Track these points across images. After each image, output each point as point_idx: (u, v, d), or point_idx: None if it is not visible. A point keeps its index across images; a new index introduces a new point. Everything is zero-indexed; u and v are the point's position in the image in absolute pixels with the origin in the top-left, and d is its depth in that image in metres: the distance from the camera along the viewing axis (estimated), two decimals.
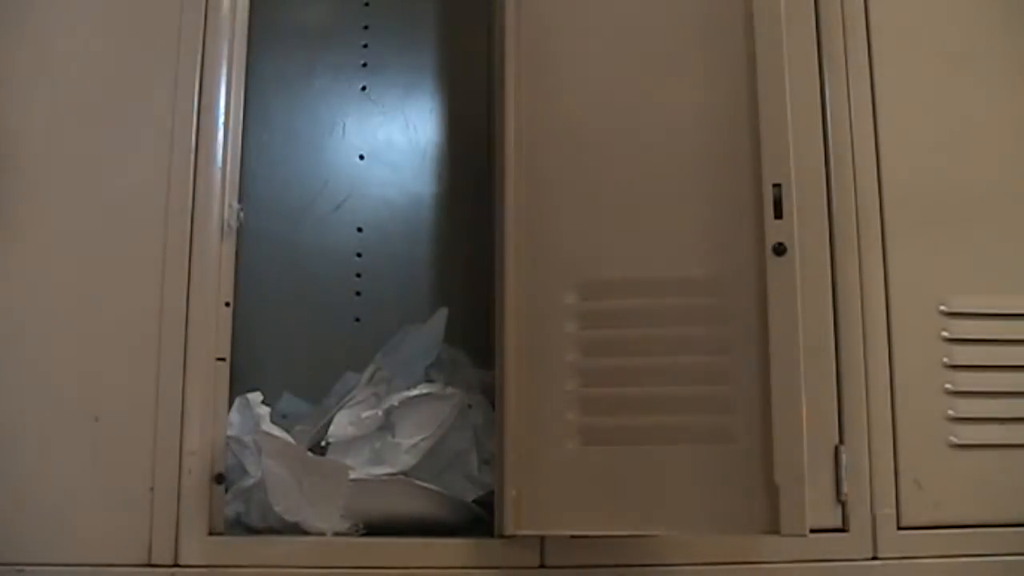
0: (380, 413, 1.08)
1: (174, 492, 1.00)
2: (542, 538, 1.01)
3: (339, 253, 1.42)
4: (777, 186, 0.95)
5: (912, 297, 1.11)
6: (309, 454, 0.97)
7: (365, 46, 1.47)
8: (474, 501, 1.09)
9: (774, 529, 0.91)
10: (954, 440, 1.09)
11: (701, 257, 0.97)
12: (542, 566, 1.01)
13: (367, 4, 1.49)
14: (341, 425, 1.07)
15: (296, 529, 1.02)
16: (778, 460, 0.91)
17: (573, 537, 1.00)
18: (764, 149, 0.96)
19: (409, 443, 1.06)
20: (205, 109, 1.06)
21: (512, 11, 1.03)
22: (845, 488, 1.06)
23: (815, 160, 1.12)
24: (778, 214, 0.94)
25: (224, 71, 1.07)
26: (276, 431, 0.98)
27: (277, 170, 1.40)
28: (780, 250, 0.94)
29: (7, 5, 1.07)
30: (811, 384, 0.94)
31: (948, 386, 1.10)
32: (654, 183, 0.99)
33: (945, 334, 1.11)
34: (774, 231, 0.94)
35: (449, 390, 1.10)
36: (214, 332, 1.03)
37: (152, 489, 1.00)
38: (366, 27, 1.48)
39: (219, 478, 1.02)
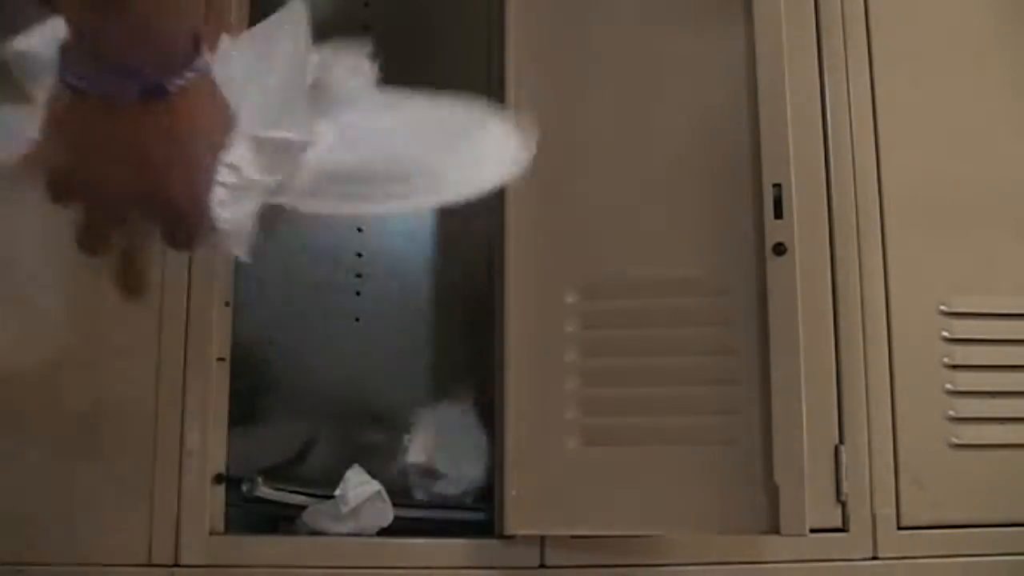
0: None
1: (174, 492, 1.00)
2: (542, 538, 1.01)
3: (339, 253, 1.42)
4: (777, 186, 0.95)
5: (912, 297, 1.11)
6: None
7: None
8: (474, 502, 1.09)
9: (774, 529, 0.91)
10: (954, 440, 1.09)
11: (701, 257, 0.97)
12: (542, 566, 1.01)
13: (367, 4, 1.49)
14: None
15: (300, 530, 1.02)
16: (778, 460, 0.91)
17: (573, 537, 1.00)
18: (764, 149, 0.96)
19: None
20: None
21: (513, 12, 1.03)
22: (845, 488, 1.06)
23: (815, 160, 1.12)
24: (778, 214, 0.94)
25: None
26: None
27: None
28: (780, 250, 0.94)
29: None
30: (811, 384, 0.94)
31: (948, 386, 1.10)
32: (654, 183, 0.99)
33: (945, 334, 1.11)
34: (774, 231, 0.94)
35: None
36: (214, 332, 1.03)
37: (152, 489, 1.00)
38: (366, 27, 1.48)
39: (219, 478, 1.02)
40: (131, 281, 0.52)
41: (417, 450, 1.08)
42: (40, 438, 1.00)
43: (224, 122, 0.51)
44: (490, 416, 1.17)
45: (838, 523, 1.06)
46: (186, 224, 0.50)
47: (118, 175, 0.48)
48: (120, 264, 0.52)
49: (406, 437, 1.09)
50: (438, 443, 1.09)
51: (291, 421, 1.25)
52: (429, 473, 1.08)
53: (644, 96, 1.01)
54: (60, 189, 0.48)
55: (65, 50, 0.47)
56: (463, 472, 1.09)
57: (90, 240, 0.50)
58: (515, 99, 1.01)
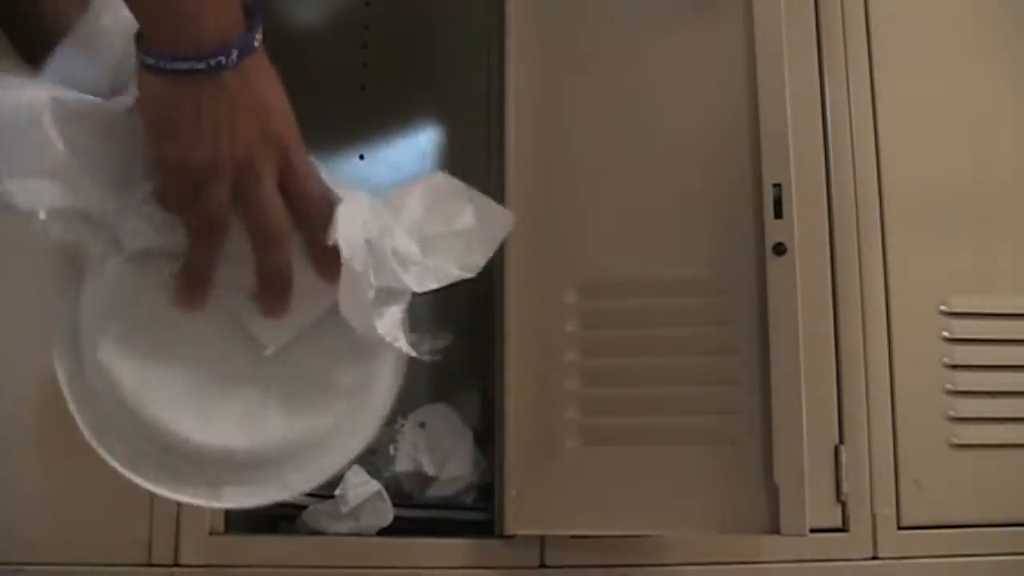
0: None
1: None
2: (542, 538, 1.01)
3: None
4: (777, 186, 0.95)
5: (912, 297, 1.11)
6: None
7: (365, 46, 1.47)
8: (474, 501, 1.09)
9: (774, 529, 0.91)
10: (954, 440, 1.09)
11: (701, 257, 0.97)
12: (542, 566, 1.01)
13: (367, 4, 1.49)
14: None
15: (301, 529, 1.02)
16: (778, 460, 0.91)
17: (573, 537, 1.00)
18: (764, 149, 0.96)
19: None
20: None
21: (513, 12, 1.03)
22: (845, 488, 1.06)
23: (815, 160, 1.12)
24: (778, 214, 0.94)
25: None
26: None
27: None
28: (780, 250, 0.94)
29: None
30: (811, 384, 0.94)
31: (948, 386, 1.10)
32: (654, 183, 0.99)
33: (945, 334, 1.11)
34: (774, 231, 0.94)
35: None
36: None
37: None
38: (366, 27, 1.48)
39: None
40: (197, 282, 0.51)
41: (404, 459, 1.08)
42: (40, 438, 1.00)
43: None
44: (479, 411, 1.17)
45: (838, 523, 1.06)
46: (293, 154, 0.50)
47: (228, 133, 0.48)
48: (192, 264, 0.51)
49: (392, 447, 1.09)
50: (424, 447, 1.09)
51: None
52: (419, 479, 1.08)
53: (644, 96, 1.01)
54: (180, 174, 0.49)
55: (145, 38, 0.48)
56: (452, 472, 1.08)
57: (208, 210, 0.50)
58: (515, 99, 1.01)
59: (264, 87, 0.50)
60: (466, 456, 1.09)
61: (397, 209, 0.55)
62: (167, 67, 0.47)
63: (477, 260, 0.56)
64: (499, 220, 0.58)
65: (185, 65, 0.47)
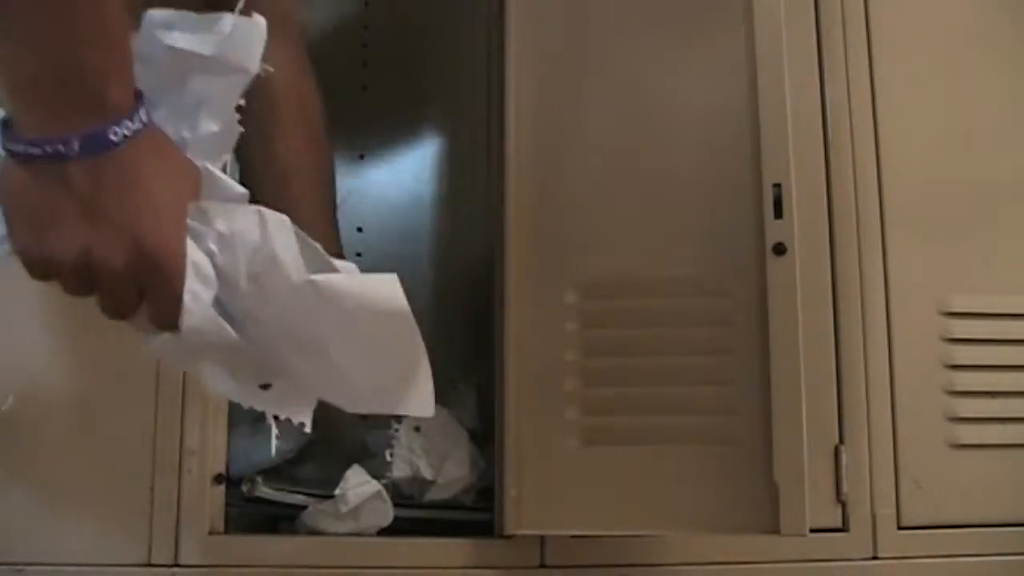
0: None
1: (174, 492, 1.00)
2: (542, 538, 1.01)
3: None
4: (777, 186, 0.95)
5: (912, 297, 1.11)
6: None
7: (365, 46, 1.48)
8: (473, 502, 1.09)
9: (774, 529, 0.91)
10: (954, 440, 1.09)
11: (701, 257, 0.97)
12: (542, 566, 1.01)
13: (367, 4, 1.49)
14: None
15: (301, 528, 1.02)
16: (778, 460, 0.91)
17: (573, 537, 1.00)
18: (764, 149, 0.96)
19: None
20: None
21: (513, 12, 1.03)
22: (845, 488, 1.06)
23: (815, 160, 1.12)
24: (778, 214, 0.94)
25: None
26: None
27: None
28: (780, 250, 0.94)
29: None
30: (811, 384, 0.94)
31: (948, 386, 1.10)
32: (654, 183, 0.99)
33: (945, 334, 1.11)
34: (774, 231, 0.94)
35: None
36: None
37: (152, 489, 1.00)
38: (366, 27, 1.48)
39: (219, 478, 1.02)
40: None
41: (401, 464, 1.08)
42: (39, 437, 1.00)
43: (185, 172, 0.50)
44: (476, 411, 1.17)
45: (838, 523, 1.06)
46: (164, 281, 0.49)
47: (85, 237, 0.47)
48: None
49: (388, 452, 1.09)
50: (420, 451, 1.09)
51: (291, 421, 1.25)
52: (417, 484, 1.08)
53: (644, 96, 1.01)
54: (37, 266, 0.49)
55: (6, 121, 0.46)
56: (450, 475, 1.08)
57: (110, 307, 0.52)
58: (515, 99, 1.01)
59: (151, 180, 0.47)
60: (463, 458, 1.09)
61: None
62: (34, 153, 0.45)
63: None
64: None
65: (59, 149, 0.45)
